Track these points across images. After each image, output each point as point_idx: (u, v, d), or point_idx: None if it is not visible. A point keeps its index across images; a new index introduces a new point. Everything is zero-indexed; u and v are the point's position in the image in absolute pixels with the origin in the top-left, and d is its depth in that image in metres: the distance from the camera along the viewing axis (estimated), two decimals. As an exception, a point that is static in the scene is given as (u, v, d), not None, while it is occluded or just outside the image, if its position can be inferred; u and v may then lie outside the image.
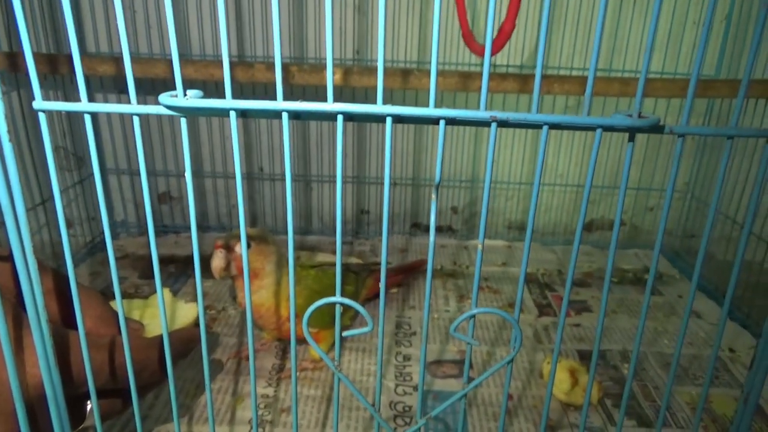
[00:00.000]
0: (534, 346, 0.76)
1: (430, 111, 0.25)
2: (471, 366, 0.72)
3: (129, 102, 0.26)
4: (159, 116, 1.06)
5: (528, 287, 0.93)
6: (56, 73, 0.84)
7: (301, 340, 0.71)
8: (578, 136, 1.06)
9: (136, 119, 0.26)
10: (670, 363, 0.74)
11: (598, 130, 0.26)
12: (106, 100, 1.02)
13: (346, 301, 0.29)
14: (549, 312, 0.85)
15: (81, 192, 1.03)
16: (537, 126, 0.26)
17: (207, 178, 1.09)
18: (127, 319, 0.50)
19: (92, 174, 1.04)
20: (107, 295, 0.85)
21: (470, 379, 0.70)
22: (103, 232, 1.06)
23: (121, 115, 1.04)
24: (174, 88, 0.25)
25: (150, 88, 1.00)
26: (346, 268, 0.76)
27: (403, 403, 0.65)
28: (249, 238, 0.65)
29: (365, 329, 0.29)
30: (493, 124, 0.25)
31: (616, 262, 1.03)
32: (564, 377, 0.65)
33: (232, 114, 0.25)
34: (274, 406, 0.64)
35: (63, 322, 0.41)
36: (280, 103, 0.25)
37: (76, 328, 0.44)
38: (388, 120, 0.25)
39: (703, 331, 0.82)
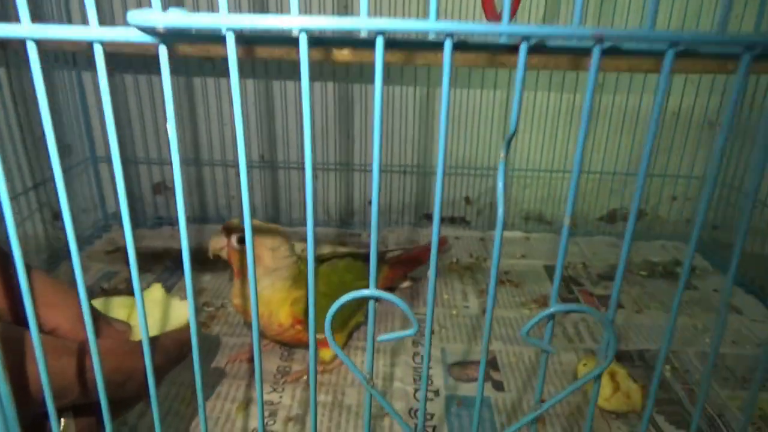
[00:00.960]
0: (564, 346, 0.69)
1: (505, 28, 0.18)
2: (497, 369, 0.65)
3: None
4: (153, 102, 1.00)
5: (551, 281, 0.86)
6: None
7: (306, 345, 0.64)
8: (601, 120, 0.99)
9: (98, 49, 0.19)
10: (716, 364, 0.67)
11: (746, 56, 0.19)
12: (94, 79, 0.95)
13: (385, 295, 0.22)
14: (577, 308, 0.78)
15: (69, 181, 0.96)
16: (657, 52, 0.18)
17: (206, 166, 1.02)
18: (112, 320, 0.43)
19: (80, 163, 0.97)
20: (93, 293, 0.78)
21: (496, 383, 0.64)
22: (93, 226, 0.99)
23: (115, 100, 0.96)
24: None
25: (141, 66, 0.93)
26: (357, 257, 0.69)
27: (423, 410, 0.58)
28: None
29: (409, 332, 0.22)
30: (596, 49, 0.18)
31: (644, 254, 0.96)
32: (604, 381, 0.58)
33: (229, 36, 0.18)
34: (280, 414, 0.57)
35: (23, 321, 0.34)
36: (294, 19, 0.18)
37: (45, 329, 0.37)
38: (447, 43, 0.18)
39: (745, 328, 0.75)
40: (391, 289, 0.80)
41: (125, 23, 0.18)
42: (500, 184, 0.21)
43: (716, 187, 1.02)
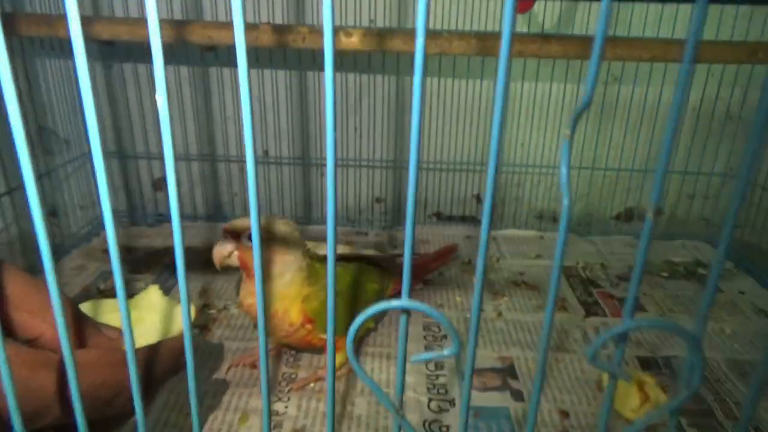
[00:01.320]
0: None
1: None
2: (515, 377, 0.62)
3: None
4: (153, 93, 0.96)
5: (569, 282, 0.82)
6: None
7: (315, 348, 0.60)
8: (619, 114, 0.95)
9: None
10: (747, 373, 0.63)
11: None
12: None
13: (419, 306, 0.18)
14: (597, 311, 0.74)
15: (66, 177, 0.92)
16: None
17: (206, 161, 0.98)
18: (102, 326, 0.39)
19: (77, 158, 0.94)
20: (89, 293, 0.74)
21: (515, 392, 0.60)
22: (91, 223, 0.96)
23: (109, 94, 0.93)
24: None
25: (140, 56, 0.90)
26: (369, 261, 0.66)
27: (439, 421, 0.54)
28: (263, 230, 0.54)
29: (448, 352, 0.18)
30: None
31: (664, 254, 0.92)
32: (631, 391, 0.55)
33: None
34: (285, 425, 0.53)
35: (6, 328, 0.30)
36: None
37: (27, 338, 0.33)
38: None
39: (777, 333, 0.71)
40: (400, 293, 0.76)
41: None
42: (564, 170, 0.17)
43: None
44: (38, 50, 0.82)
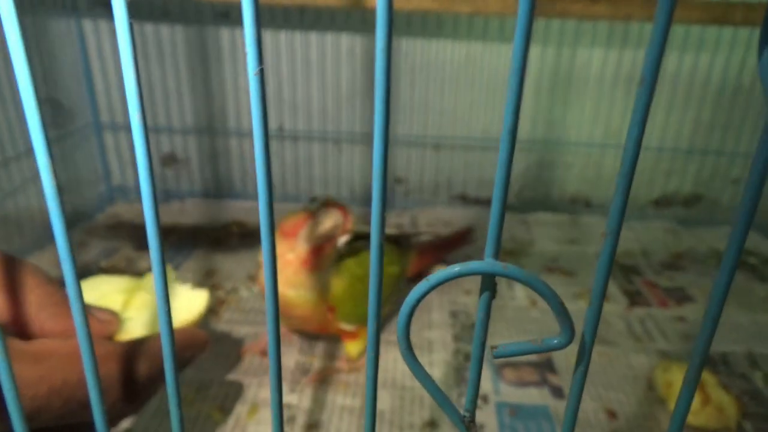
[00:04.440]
0: (633, 347, 0.59)
1: None
2: (554, 371, 0.55)
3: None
4: (161, 58, 0.90)
5: (608, 270, 0.75)
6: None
7: (330, 335, 0.55)
8: (666, 86, 0.87)
9: None
10: (818, 372, 0.56)
11: None
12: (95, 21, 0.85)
13: (513, 271, 0.12)
14: (641, 301, 0.67)
15: (70, 149, 0.87)
16: None
17: (218, 135, 0.92)
18: (93, 308, 0.33)
19: (81, 129, 0.88)
20: (90, 271, 0.69)
21: (554, 388, 0.54)
22: (95, 199, 0.91)
23: (115, 60, 0.87)
24: None
25: (146, 13, 0.84)
26: (386, 239, 0.60)
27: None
28: (337, 206, 0.50)
29: (557, 341, 0.12)
30: None
31: (709, 242, 0.85)
32: (691, 391, 0.48)
33: None
34: (299, 419, 0.47)
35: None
36: None
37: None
38: None
39: (844, 329, 0.64)
40: (420, 275, 0.70)
41: None
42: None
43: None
44: (38, 8, 0.77)
